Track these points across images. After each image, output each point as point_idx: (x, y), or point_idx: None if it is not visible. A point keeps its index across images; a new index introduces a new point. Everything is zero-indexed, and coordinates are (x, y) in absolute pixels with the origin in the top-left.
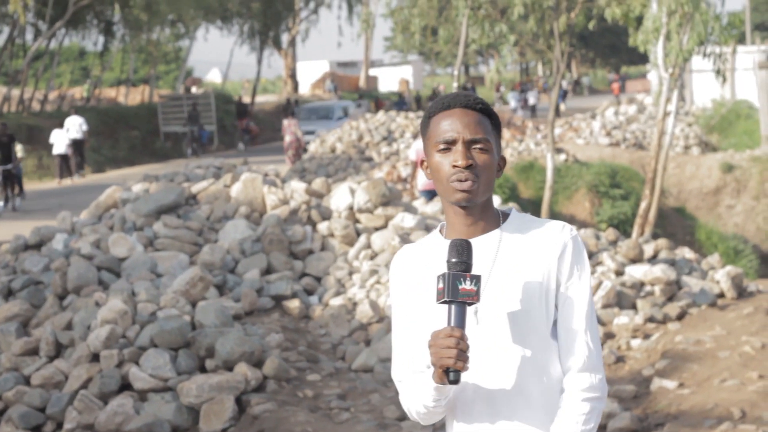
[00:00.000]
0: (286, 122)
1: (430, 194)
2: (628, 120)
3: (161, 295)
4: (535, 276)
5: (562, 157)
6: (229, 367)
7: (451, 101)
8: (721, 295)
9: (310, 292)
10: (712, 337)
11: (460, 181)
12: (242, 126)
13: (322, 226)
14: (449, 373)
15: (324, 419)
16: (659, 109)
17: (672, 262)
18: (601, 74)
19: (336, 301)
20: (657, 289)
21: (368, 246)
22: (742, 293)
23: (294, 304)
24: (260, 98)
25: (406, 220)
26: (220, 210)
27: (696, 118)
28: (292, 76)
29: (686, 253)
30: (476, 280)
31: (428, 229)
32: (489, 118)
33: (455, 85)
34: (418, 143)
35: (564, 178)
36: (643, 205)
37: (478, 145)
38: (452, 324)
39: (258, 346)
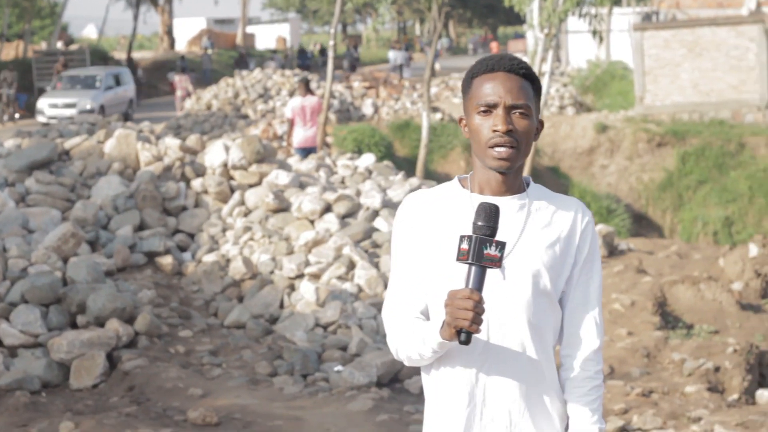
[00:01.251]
0: (177, 78)
1: (305, 152)
2: None
3: (32, 251)
4: (558, 244)
5: (438, 116)
6: (100, 323)
7: (495, 64)
8: None
9: (183, 249)
10: None
11: (499, 146)
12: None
13: (196, 183)
14: (461, 333)
15: (196, 375)
16: (534, 69)
17: None
18: (478, 33)
19: (209, 258)
20: None
21: (242, 203)
22: (613, 251)
23: (167, 261)
24: (136, 54)
25: (280, 177)
26: (93, 166)
27: (571, 79)
28: (169, 32)
29: None
30: (501, 246)
31: (302, 186)
32: (531, 83)
33: (331, 43)
34: (295, 101)
35: (440, 137)
36: None
37: (519, 110)
38: (471, 286)
39: (130, 303)
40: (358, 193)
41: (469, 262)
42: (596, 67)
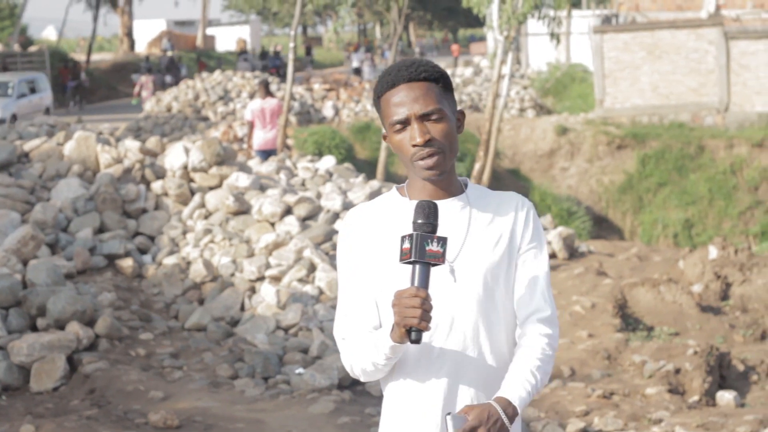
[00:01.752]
0: (144, 78)
1: (266, 154)
2: (465, 82)
3: None
4: (504, 240)
5: None
6: (60, 326)
7: (394, 78)
8: (553, 256)
9: (143, 251)
10: None
11: (423, 158)
12: None
13: (156, 185)
14: (411, 332)
15: (156, 378)
16: (494, 72)
17: None
18: (437, 36)
19: (169, 261)
20: None
21: (202, 205)
22: (573, 254)
23: (127, 263)
24: (96, 56)
25: (240, 179)
26: (52, 168)
27: (531, 81)
28: (129, 34)
29: None
30: (443, 242)
31: (263, 188)
32: (436, 82)
33: (292, 45)
34: (255, 103)
35: None
36: (477, 166)
37: (433, 116)
38: (417, 284)
39: (90, 305)
40: (319, 196)
41: (412, 260)
42: (556, 69)
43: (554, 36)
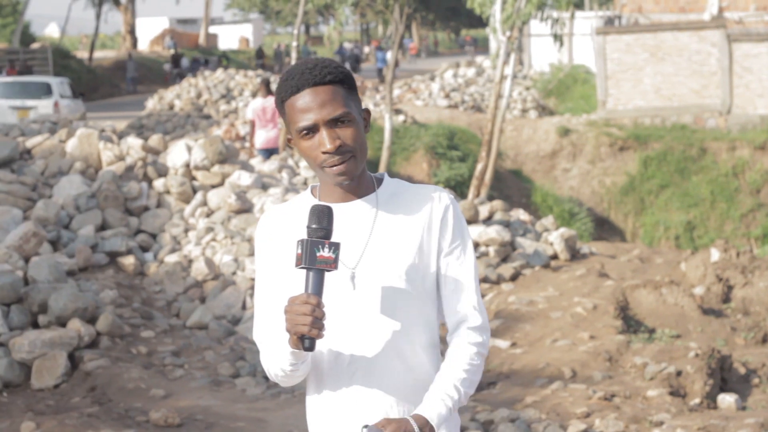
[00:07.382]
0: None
1: (268, 153)
2: (467, 82)
3: None
4: (415, 240)
5: (401, 118)
6: (62, 323)
7: (299, 82)
8: (555, 257)
9: (145, 249)
10: (545, 298)
11: (335, 165)
12: None
13: (159, 183)
14: (304, 340)
15: (158, 376)
16: (497, 72)
17: (507, 224)
18: (442, 36)
19: (171, 258)
20: (491, 249)
21: (204, 203)
22: (575, 255)
23: (129, 261)
24: (99, 54)
25: (242, 178)
26: (55, 165)
27: (534, 82)
28: (131, 32)
29: (521, 214)
30: (335, 247)
31: (265, 187)
32: (341, 84)
33: (294, 44)
34: (256, 102)
35: (402, 139)
36: (479, 166)
37: (341, 121)
38: (309, 291)
39: (92, 302)
40: None
41: (303, 266)
42: (559, 70)
43: (557, 38)
